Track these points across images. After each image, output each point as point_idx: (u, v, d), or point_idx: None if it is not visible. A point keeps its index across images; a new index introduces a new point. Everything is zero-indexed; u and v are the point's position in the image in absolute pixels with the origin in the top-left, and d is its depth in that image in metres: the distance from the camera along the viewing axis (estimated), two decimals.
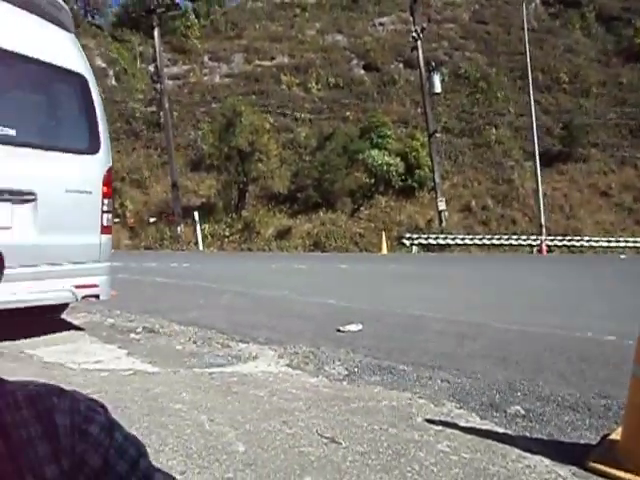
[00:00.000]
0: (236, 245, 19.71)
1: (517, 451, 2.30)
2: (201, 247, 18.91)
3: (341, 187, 21.07)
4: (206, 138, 22.08)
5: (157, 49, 20.99)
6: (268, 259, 14.71)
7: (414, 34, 20.79)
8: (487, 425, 2.63)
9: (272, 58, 31.07)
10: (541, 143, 21.06)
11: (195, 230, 19.17)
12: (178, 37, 32.10)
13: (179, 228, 19.61)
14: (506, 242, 18.47)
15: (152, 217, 20.53)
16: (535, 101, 21.84)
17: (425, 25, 21.54)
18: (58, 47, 3.91)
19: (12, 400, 0.53)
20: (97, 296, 4.22)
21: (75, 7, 33.17)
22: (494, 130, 24.54)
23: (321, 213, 21.04)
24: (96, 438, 0.56)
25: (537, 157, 19.73)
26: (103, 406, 0.60)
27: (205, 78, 30.62)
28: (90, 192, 4.06)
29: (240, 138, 19.94)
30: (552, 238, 18.78)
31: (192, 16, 33.97)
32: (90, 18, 37.93)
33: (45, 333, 4.28)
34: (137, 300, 6.05)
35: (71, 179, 3.93)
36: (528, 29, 22.18)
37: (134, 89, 27.26)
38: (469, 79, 27.45)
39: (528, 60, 20.81)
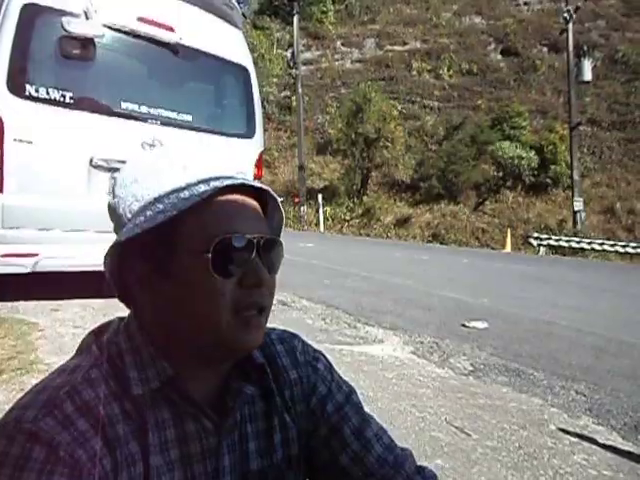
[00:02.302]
0: (355, 229, 20.08)
1: None
2: (322, 229, 19.61)
3: (466, 179, 20.26)
4: (334, 122, 22.63)
5: (295, 36, 21.85)
6: (388, 246, 14.80)
7: (565, 14, 18.93)
8: (631, 447, 2.50)
9: (404, 43, 30.56)
10: None
11: (318, 212, 19.90)
12: (313, 23, 33.04)
13: (302, 209, 20.52)
14: None
15: (279, 197, 21.69)
16: None
17: (580, 4, 19.48)
18: (229, 43, 4.37)
19: (269, 338, 0.74)
20: None
21: None
22: None
23: (442, 204, 20.47)
24: (322, 373, 0.75)
25: None
26: (322, 352, 0.80)
27: (336, 63, 31.19)
28: (244, 173, 4.50)
29: (367, 124, 20.11)
30: None
31: (328, 2, 34.65)
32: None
33: None
34: None
35: (230, 161, 4.40)
36: None
37: (270, 74, 28.74)
38: (627, 64, 24.29)
39: None
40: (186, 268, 0.59)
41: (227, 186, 0.60)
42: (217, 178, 0.61)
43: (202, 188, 0.59)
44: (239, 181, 0.61)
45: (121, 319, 0.66)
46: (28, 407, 0.54)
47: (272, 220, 0.69)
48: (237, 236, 0.59)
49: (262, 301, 0.62)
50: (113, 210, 0.65)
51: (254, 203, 0.64)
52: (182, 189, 0.60)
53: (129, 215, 0.62)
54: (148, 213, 0.60)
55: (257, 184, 0.64)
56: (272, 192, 0.66)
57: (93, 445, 0.53)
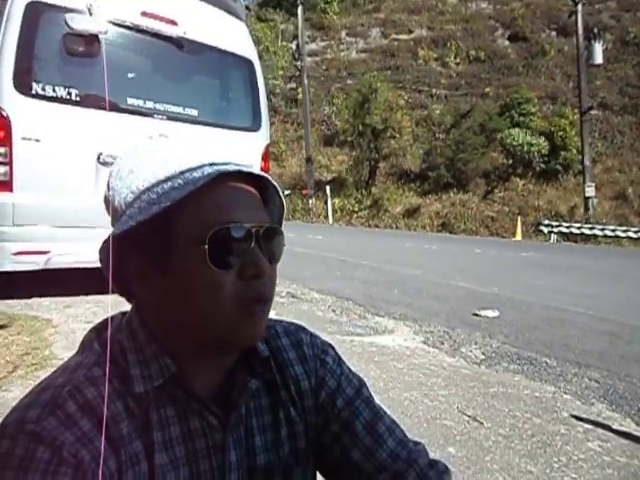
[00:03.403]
0: (364, 221, 20.04)
1: None
2: (331, 221, 19.59)
3: (475, 167, 20.07)
4: (341, 114, 22.53)
5: (300, 27, 21.71)
6: (397, 237, 14.76)
7: None
8: None
9: (410, 31, 30.22)
10: None
11: (326, 204, 19.88)
12: (318, 13, 32.76)
13: (311, 201, 20.50)
14: None
15: (287, 189, 21.77)
16: None
17: None
18: (232, 35, 4.35)
19: (274, 331, 0.73)
20: None
21: None
22: None
23: (452, 194, 20.32)
24: (331, 366, 0.73)
25: None
26: (331, 345, 0.77)
27: (342, 54, 30.96)
28: (251, 166, 4.50)
29: (374, 115, 19.99)
30: None
31: None
32: None
33: None
34: (279, 266, 6.59)
35: (237, 155, 4.39)
36: None
37: (275, 66, 28.63)
38: (639, 46, 23.82)
39: None
40: (183, 261, 0.57)
41: (223, 174, 0.57)
42: (212, 165, 0.59)
43: (197, 176, 0.57)
44: (235, 168, 0.59)
45: (124, 314, 0.65)
46: (30, 407, 0.53)
47: (272, 208, 0.66)
48: (235, 226, 0.57)
49: (264, 292, 0.60)
50: (109, 203, 0.64)
51: (252, 191, 0.62)
52: (176, 178, 0.58)
53: (124, 207, 0.61)
54: (142, 205, 0.58)
55: (255, 171, 0.61)
56: (271, 179, 0.63)
57: (97, 445, 0.52)
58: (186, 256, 0.57)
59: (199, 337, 0.59)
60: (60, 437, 0.51)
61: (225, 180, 0.59)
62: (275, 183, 0.64)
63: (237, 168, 0.59)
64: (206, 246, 0.56)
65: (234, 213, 0.58)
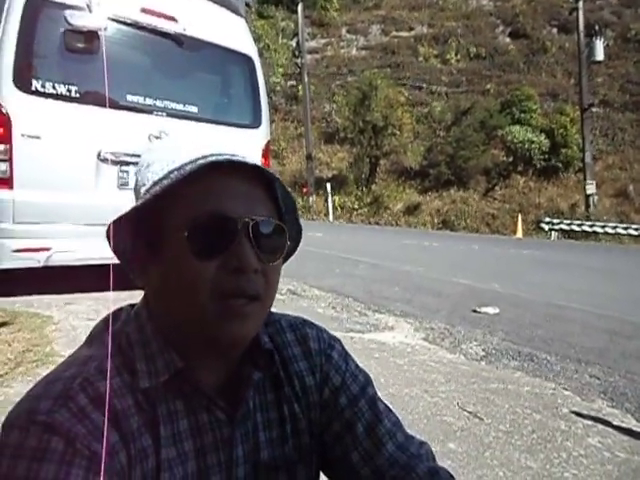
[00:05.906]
0: (364, 218, 20.00)
1: None
2: (331, 218, 19.57)
3: (475, 165, 20.02)
4: (341, 111, 22.47)
5: (300, 24, 21.65)
6: (398, 234, 14.74)
7: None
8: None
9: (410, 28, 30.12)
10: None
11: (326, 201, 19.84)
12: (318, 10, 32.65)
13: (311, 199, 20.48)
14: None
15: (287, 187, 21.63)
16: None
17: None
18: (232, 32, 4.34)
19: (279, 326, 0.72)
20: None
21: None
22: None
23: (452, 191, 20.28)
24: (337, 362, 0.72)
25: None
26: (338, 339, 0.77)
27: (342, 51, 30.86)
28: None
29: (375, 112, 19.94)
30: None
31: None
32: None
33: None
34: None
35: (237, 152, 4.39)
36: None
37: (275, 64, 28.55)
38: None
39: None
40: (170, 250, 0.58)
41: (216, 164, 0.57)
42: (206, 157, 0.58)
43: (189, 167, 0.57)
44: (225, 157, 0.58)
45: (132, 306, 0.65)
46: (41, 399, 0.53)
47: (285, 204, 0.66)
48: (218, 215, 0.57)
49: (250, 287, 0.57)
50: (135, 192, 0.66)
51: (250, 183, 0.60)
52: (179, 169, 0.58)
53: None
54: (144, 195, 0.60)
55: (250, 161, 0.60)
56: (267, 169, 0.61)
57: (109, 438, 0.52)
58: (172, 245, 0.58)
59: (189, 331, 0.59)
60: (73, 429, 0.50)
61: (218, 171, 0.58)
62: (273, 173, 0.62)
63: (227, 157, 0.58)
64: (186, 233, 0.56)
65: (221, 203, 0.57)
